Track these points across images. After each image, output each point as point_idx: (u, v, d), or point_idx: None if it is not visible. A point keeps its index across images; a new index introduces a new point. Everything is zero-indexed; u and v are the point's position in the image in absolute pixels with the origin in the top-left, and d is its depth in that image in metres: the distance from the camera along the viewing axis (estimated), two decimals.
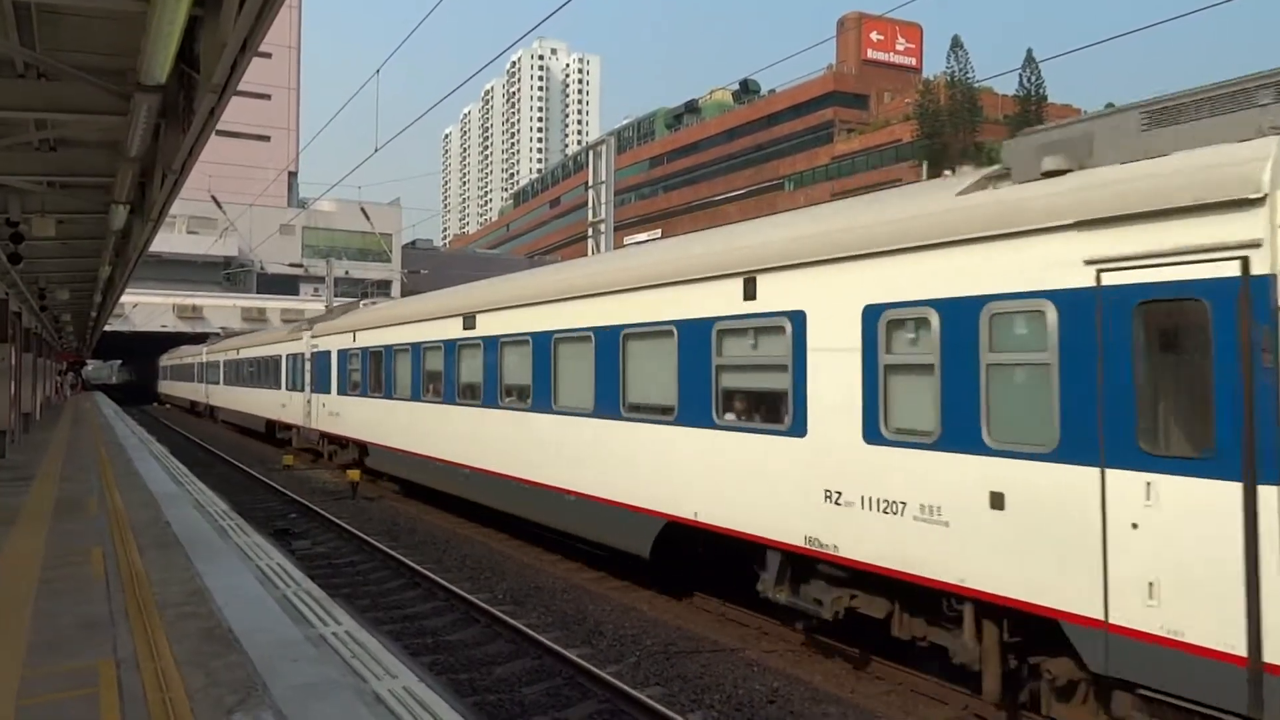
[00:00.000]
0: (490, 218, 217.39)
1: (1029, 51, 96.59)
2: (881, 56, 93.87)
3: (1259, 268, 5.42)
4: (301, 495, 19.78)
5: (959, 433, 7.03)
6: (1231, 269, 5.53)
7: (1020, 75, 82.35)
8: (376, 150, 20.54)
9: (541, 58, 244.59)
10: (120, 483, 15.55)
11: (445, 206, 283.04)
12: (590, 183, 22.42)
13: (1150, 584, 5.80)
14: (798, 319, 8.54)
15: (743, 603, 10.47)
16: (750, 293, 9.18)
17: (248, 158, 74.41)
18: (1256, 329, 5.40)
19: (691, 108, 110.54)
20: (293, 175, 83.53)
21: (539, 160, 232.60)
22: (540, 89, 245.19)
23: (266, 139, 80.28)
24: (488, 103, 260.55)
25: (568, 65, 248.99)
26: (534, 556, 14.00)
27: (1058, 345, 6.39)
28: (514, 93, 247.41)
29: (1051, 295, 6.45)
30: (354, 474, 20.37)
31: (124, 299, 40.80)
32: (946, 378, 7.15)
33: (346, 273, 59.92)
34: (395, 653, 7.12)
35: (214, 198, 41.67)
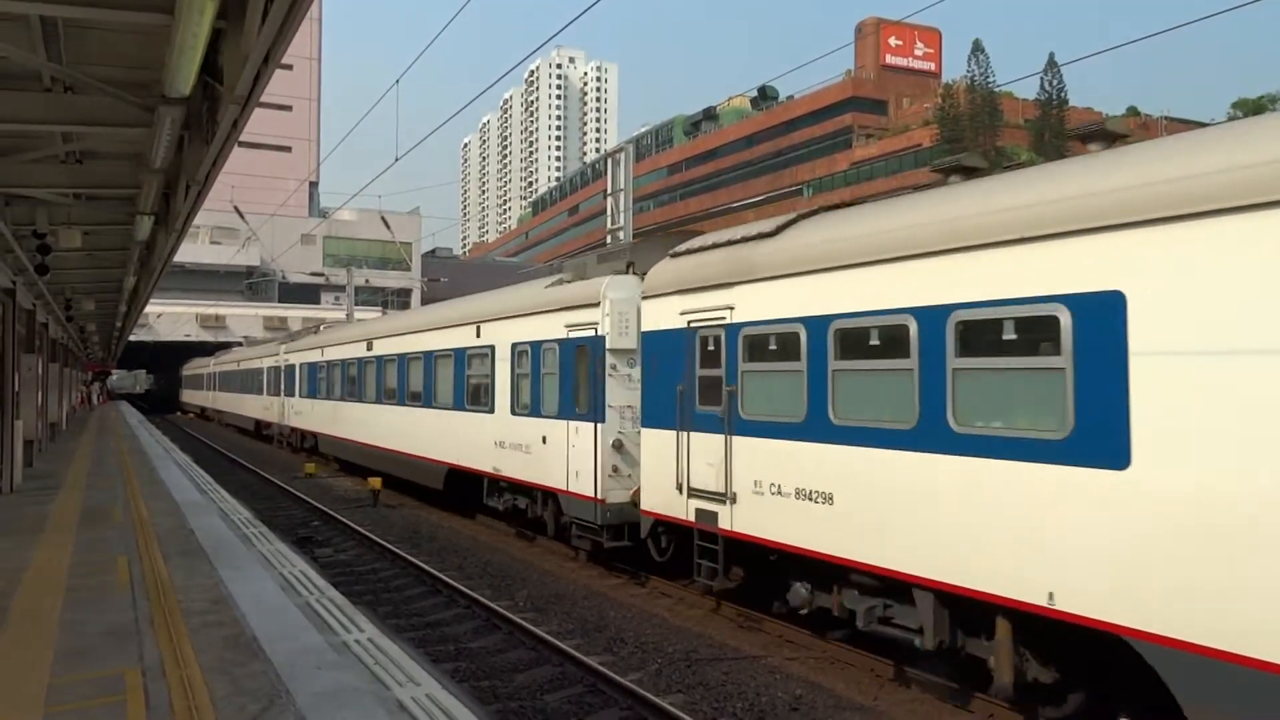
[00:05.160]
0: (509, 226, 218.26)
1: (1050, 55, 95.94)
2: (900, 62, 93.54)
3: (601, 331, 12.58)
4: (323, 503, 19.90)
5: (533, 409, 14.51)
6: (592, 333, 12.86)
7: (1041, 79, 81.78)
8: (397, 160, 20.66)
9: (559, 66, 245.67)
10: (145, 491, 15.70)
11: (464, 215, 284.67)
12: (609, 190, 22.41)
13: (577, 471, 13.04)
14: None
15: (765, 610, 10.43)
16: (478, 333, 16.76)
17: (269, 168, 75.20)
18: (601, 356, 12.52)
19: (709, 114, 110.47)
20: (314, 185, 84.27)
21: (557, 168, 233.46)
22: (558, 97, 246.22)
23: (288, 150, 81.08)
24: (506, 111, 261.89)
25: (585, 73, 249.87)
26: (555, 564, 14.01)
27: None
28: (532, 101, 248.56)
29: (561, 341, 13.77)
30: (375, 482, 20.47)
31: (148, 309, 41.23)
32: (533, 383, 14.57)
33: (367, 281, 60.35)
34: (418, 660, 7.13)
35: (236, 208, 42.13)
